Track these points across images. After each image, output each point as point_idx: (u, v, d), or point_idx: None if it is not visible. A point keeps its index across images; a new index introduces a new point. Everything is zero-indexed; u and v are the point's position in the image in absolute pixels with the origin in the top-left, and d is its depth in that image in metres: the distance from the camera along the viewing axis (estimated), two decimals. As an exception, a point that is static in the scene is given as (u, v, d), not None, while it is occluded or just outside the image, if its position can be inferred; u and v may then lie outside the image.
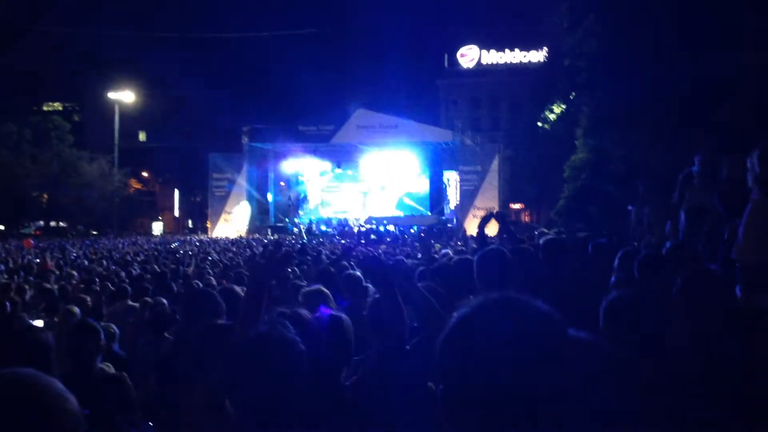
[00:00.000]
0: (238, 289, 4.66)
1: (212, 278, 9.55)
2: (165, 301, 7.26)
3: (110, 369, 4.06)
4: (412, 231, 35.32)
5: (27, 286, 9.78)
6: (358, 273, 5.37)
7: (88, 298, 7.91)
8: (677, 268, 3.97)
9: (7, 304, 7.06)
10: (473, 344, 1.17)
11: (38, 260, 17.27)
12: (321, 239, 32.09)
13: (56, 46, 57.02)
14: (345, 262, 7.32)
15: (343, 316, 2.88)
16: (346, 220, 40.94)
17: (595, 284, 4.40)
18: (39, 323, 4.72)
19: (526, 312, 1.20)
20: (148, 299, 7.36)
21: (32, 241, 30.32)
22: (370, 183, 42.74)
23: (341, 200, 43.40)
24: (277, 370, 2.04)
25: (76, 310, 6.51)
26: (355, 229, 36.66)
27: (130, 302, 7.83)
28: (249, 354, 2.07)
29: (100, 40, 58.88)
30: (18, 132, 50.00)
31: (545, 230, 14.48)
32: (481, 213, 37.10)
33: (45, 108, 68.53)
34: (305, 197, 44.47)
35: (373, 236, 29.00)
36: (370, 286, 5.03)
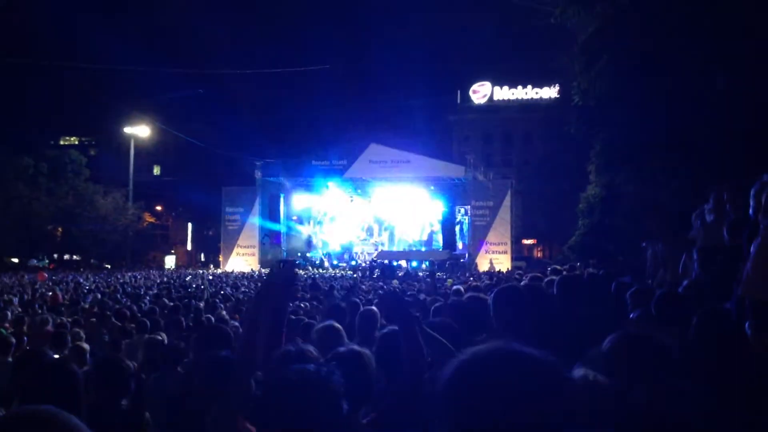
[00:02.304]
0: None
1: (224, 313, 9.57)
2: (176, 335, 7.27)
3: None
4: (424, 266, 35.28)
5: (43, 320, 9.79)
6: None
7: (104, 331, 7.93)
8: (694, 307, 3.95)
9: (24, 338, 7.08)
10: (475, 391, 1.20)
11: (50, 293, 17.32)
12: (333, 273, 32.07)
13: (73, 81, 57.88)
14: (356, 299, 7.29)
15: (364, 351, 2.83)
16: (357, 254, 40.92)
17: (614, 322, 4.40)
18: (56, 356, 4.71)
19: (524, 360, 1.23)
20: (161, 333, 7.37)
21: (45, 274, 30.48)
22: (382, 217, 42.76)
23: (353, 234, 43.36)
24: (313, 409, 1.98)
25: (86, 346, 6.51)
26: (367, 264, 36.61)
27: (142, 336, 7.83)
28: (285, 392, 2.02)
29: (116, 75, 59.72)
30: (34, 166, 50.52)
31: (558, 267, 14.44)
32: (494, 248, 37.17)
33: (62, 142, 69.33)
34: (317, 231, 44.50)
35: (386, 271, 28.89)
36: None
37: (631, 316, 4.58)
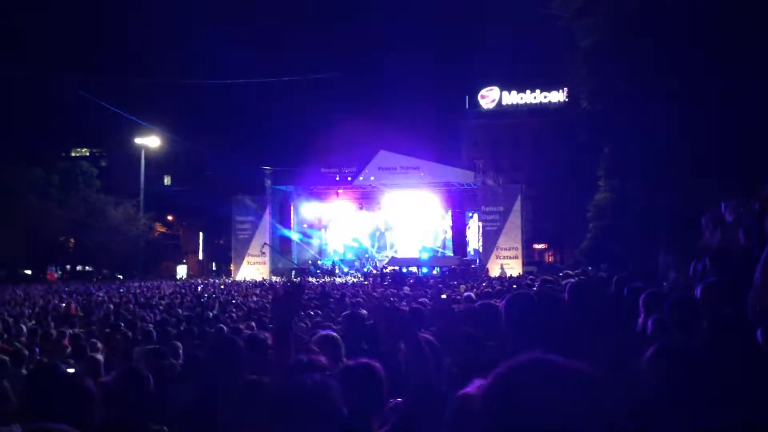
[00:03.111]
0: (263, 334, 4.67)
1: (238, 323, 9.60)
2: (190, 345, 7.30)
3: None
4: (435, 272, 35.19)
5: (53, 331, 9.86)
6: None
7: (117, 342, 7.96)
8: (707, 311, 3.93)
9: (36, 349, 7.12)
10: (514, 406, 1.19)
11: (63, 305, 17.42)
12: (344, 280, 32.07)
13: (83, 93, 58.23)
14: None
15: (374, 363, 2.84)
16: (368, 261, 40.90)
17: (624, 327, 4.39)
18: (70, 370, 4.73)
19: (564, 372, 1.22)
20: (177, 343, 7.40)
21: (55, 274, 30.63)
22: (392, 224, 42.74)
23: (364, 242, 43.36)
24: (316, 418, 2.03)
25: (100, 357, 6.55)
26: (378, 271, 36.58)
27: (153, 346, 7.86)
28: (288, 401, 2.06)
29: (125, 86, 60.02)
30: (46, 177, 50.87)
31: (570, 272, 14.38)
32: (505, 253, 37.04)
33: (72, 154, 69.72)
34: (327, 239, 44.53)
35: (396, 278, 28.87)
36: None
37: (640, 320, 4.57)
